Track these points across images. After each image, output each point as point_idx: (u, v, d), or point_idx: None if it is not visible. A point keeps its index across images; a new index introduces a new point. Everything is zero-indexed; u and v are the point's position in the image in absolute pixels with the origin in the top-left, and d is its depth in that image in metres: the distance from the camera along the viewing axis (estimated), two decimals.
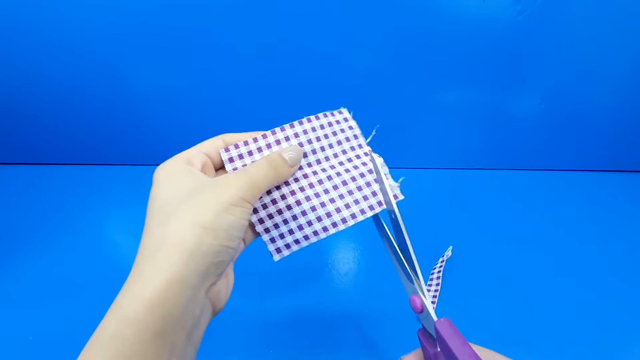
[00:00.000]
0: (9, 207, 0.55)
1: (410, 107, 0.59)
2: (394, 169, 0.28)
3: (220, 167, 0.26)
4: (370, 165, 0.27)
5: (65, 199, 0.57)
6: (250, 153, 0.26)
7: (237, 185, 0.21)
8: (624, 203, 0.58)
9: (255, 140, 0.26)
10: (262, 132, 0.26)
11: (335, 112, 0.28)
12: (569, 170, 0.65)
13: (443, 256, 0.44)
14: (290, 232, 0.25)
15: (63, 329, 0.37)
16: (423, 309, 0.23)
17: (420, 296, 0.24)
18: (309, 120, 0.27)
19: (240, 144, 0.26)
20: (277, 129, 0.26)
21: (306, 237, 0.25)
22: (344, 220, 0.25)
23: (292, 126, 0.26)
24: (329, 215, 0.25)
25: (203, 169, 0.24)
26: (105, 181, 0.61)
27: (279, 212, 0.25)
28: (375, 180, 0.26)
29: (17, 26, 0.52)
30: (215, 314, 0.22)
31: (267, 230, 0.25)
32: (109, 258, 0.46)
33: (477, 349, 0.21)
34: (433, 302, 0.39)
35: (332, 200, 0.25)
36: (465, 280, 0.43)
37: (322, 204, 0.25)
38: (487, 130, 0.61)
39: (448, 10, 0.51)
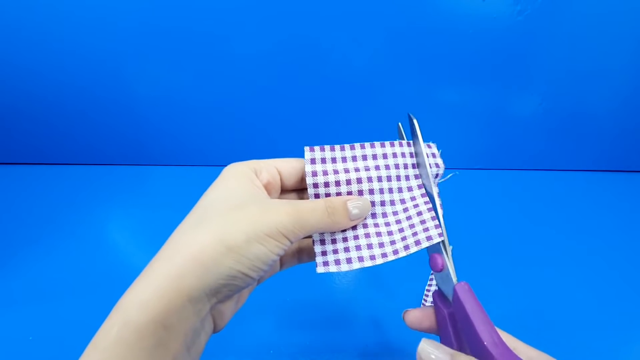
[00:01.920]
0: (9, 207, 0.55)
1: (409, 107, 0.59)
2: None
3: (288, 190, 0.25)
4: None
5: (66, 199, 0.57)
6: (333, 161, 0.24)
7: (282, 218, 0.20)
8: (624, 203, 0.58)
9: (342, 148, 0.24)
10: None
11: (424, 144, 0.26)
12: (569, 170, 0.65)
13: None
14: (346, 249, 0.23)
15: (63, 329, 0.37)
16: (443, 268, 0.23)
17: (443, 255, 0.23)
18: (401, 145, 0.26)
19: (326, 148, 0.24)
20: (367, 145, 0.25)
21: (360, 259, 0.23)
22: (406, 248, 0.23)
23: (383, 145, 0.25)
24: (392, 243, 0.24)
25: (268, 185, 0.23)
26: (105, 181, 0.61)
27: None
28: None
29: (17, 26, 0.52)
30: (215, 331, 0.22)
31: (322, 242, 0.23)
32: (109, 258, 0.46)
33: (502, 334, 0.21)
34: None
35: (401, 230, 0.24)
36: (464, 280, 0.43)
37: (390, 233, 0.24)
38: (487, 130, 0.61)
39: (448, 10, 0.51)
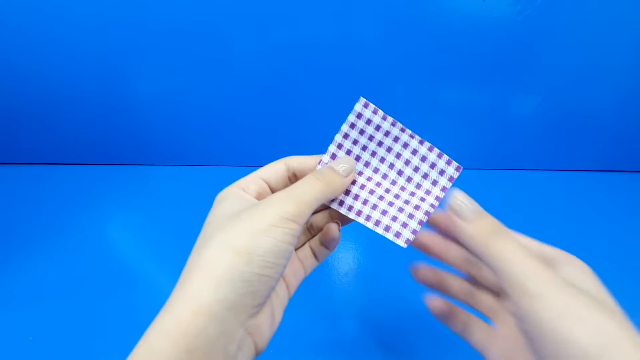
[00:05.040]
0: (10, 207, 0.55)
1: (409, 107, 0.59)
2: None
3: None
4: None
5: (66, 199, 0.57)
6: (370, 138, 0.27)
7: (279, 204, 0.20)
8: (624, 203, 0.58)
9: (394, 124, 0.27)
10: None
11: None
12: (569, 170, 0.65)
13: None
14: (365, 202, 0.25)
15: (63, 329, 0.37)
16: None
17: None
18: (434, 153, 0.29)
19: (378, 115, 0.27)
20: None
21: (367, 218, 0.24)
22: (415, 232, 0.25)
23: (422, 142, 0.28)
24: (394, 218, 0.25)
25: (259, 196, 0.23)
26: (106, 181, 0.61)
27: (362, 187, 0.26)
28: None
29: (17, 26, 0.52)
30: (257, 353, 0.21)
31: (341, 203, 0.25)
32: (109, 258, 0.46)
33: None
34: None
35: (406, 202, 0.26)
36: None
37: (397, 206, 0.25)
38: (487, 130, 0.61)
39: (448, 10, 0.51)
